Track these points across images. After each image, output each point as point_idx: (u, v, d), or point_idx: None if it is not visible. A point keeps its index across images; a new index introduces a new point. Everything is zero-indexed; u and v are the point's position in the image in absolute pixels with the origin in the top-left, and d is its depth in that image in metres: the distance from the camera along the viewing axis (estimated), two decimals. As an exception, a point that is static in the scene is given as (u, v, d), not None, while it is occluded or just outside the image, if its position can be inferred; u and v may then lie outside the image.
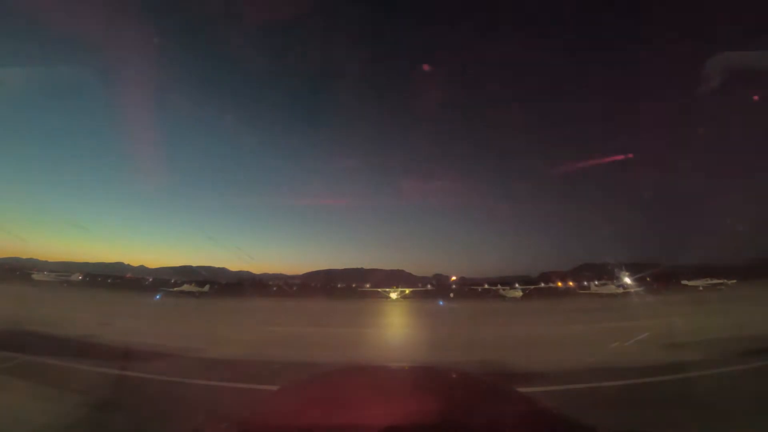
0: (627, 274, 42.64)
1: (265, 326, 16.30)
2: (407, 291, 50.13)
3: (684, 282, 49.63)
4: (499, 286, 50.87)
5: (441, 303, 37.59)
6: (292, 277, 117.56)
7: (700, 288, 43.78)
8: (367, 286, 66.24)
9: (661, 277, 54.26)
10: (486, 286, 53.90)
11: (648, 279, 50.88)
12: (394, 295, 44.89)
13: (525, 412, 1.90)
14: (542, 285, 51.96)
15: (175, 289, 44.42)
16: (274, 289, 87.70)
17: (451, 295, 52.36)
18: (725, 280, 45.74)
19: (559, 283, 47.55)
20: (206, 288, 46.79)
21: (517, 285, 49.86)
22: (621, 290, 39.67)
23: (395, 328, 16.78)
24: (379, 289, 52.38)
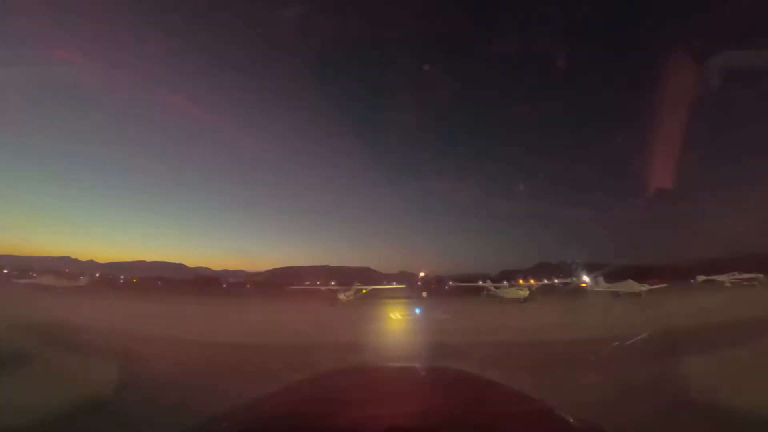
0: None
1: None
2: (364, 290, 36.19)
3: (702, 278, 40.82)
4: (488, 282, 38.55)
5: (417, 311, 25.09)
6: (255, 274, 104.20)
7: (727, 284, 36.59)
8: (332, 283, 54.87)
9: (680, 273, 45.07)
10: (480, 282, 40.04)
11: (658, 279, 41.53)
12: (343, 297, 31.69)
13: (525, 412, 1.89)
14: (545, 282, 40.14)
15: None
16: (224, 286, 77.54)
17: (425, 294, 39.99)
18: (757, 274, 35.94)
19: (583, 284, 36.04)
20: (83, 280, 33.50)
21: (521, 281, 37.51)
22: (645, 288, 31.03)
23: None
24: (323, 288, 40.07)
